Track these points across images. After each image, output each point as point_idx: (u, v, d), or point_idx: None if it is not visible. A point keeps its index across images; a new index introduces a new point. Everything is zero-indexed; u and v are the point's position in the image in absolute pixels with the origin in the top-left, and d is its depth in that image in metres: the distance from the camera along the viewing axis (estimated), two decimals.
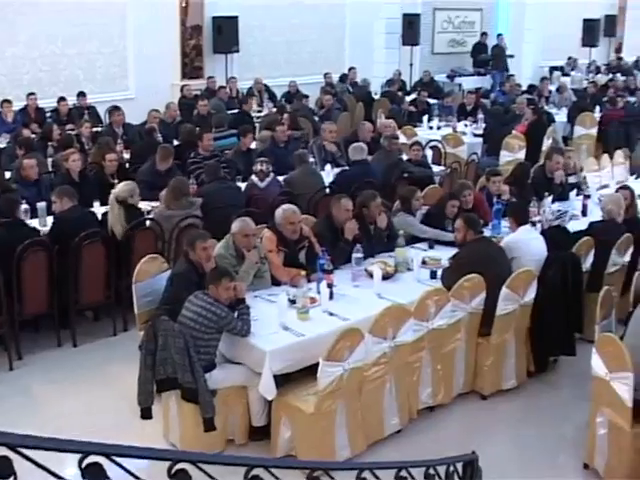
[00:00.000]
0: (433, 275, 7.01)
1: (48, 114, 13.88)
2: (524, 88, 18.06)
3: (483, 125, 14.21)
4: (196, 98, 14.98)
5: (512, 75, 19.74)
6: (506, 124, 13.79)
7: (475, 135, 13.98)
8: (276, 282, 6.87)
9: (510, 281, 6.53)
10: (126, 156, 11.16)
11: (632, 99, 17.38)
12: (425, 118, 14.91)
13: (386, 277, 6.90)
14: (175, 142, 11.67)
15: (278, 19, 18.50)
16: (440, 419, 6.45)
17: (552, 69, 22.64)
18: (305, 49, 19.38)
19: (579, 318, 7.19)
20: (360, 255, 7.01)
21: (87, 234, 7.49)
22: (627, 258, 7.80)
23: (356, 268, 6.98)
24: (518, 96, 16.03)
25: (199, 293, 5.79)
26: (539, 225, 8.17)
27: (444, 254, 7.43)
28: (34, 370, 7.21)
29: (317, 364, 5.35)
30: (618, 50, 26.65)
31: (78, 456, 1.87)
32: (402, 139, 12.43)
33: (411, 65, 20.67)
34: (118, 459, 1.95)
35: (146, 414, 5.82)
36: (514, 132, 13.21)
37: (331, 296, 6.47)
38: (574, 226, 8.43)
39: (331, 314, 6.21)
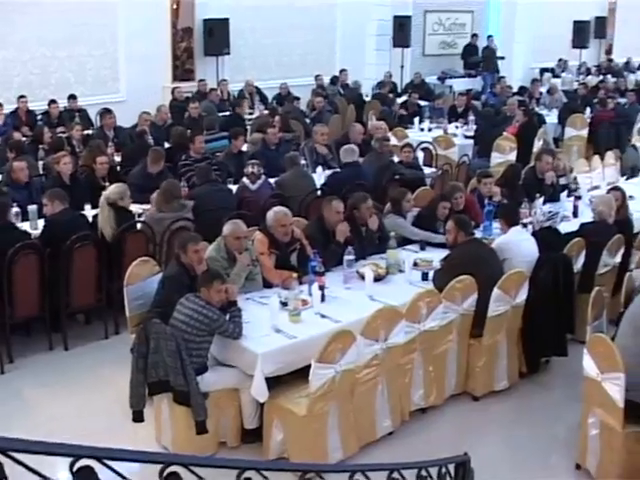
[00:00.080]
0: (425, 277, 7.01)
1: (39, 117, 13.86)
2: (515, 90, 18.10)
3: (474, 127, 14.22)
4: (187, 101, 14.97)
5: (503, 77, 19.77)
6: (497, 126, 13.80)
7: (466, 137, 13.99)
8: (268, 284, 6.86)
9: (501, 282, 6.54)
10: (117, 159, 11.14)
11: (622, 100, 17.43)
12: (416, 120, 14.93)
13: (378, 279, 6.90)
14: (166, 145, 11.64)
15: (269, 21, 18.48)
16: (432, 421, 6.45)
17: (543, 71, 22.69)
18: (296, 51, 19.37)
19: (570, 319, 7.21)
20: (351, 257, 7.01)
21: (78, 237, 7.47)
22: (618, 259, 7.82)
23: (348, 270, 6.98)
24: (509, 98, 16.06)
25: (191, 296, 5.78)
26: (530, 226, 8.18)
27: (436, 256, 7.43)
28: (25, 373, 7.19)
29: (309, 366, 5.36)
30: (608, 52, 26.73)
31: (70, 460, 1.87)
32: (393, 141, 12.44)
33: (402, 67, 20.68)
34: (110, 462, 1.95)
35: (138, 417, 5.81)
36: (505, 134, 13.22)
37: (323, 298, 6.48)
38: (565, 227, 8.45)
39: (323, 316, 6.21)
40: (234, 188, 9.49)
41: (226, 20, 17.35)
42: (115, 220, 7.92)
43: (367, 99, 17.74)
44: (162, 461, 2.11)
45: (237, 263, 6.61)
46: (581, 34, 24.25)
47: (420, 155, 12.10)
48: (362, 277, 6.86)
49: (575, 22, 24.13)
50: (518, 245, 7.17)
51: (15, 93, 14.09)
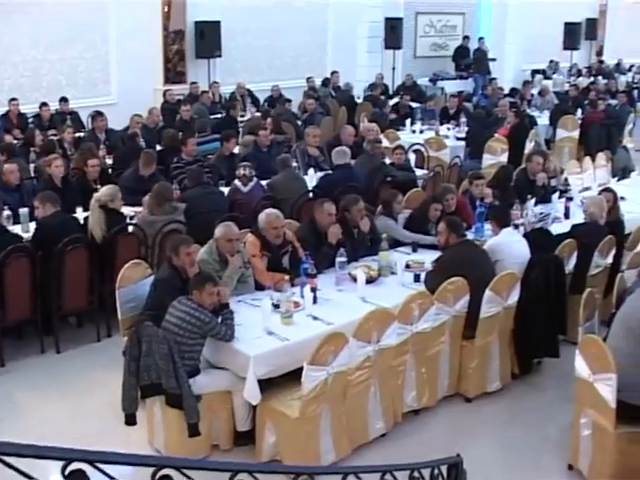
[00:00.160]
0: (417, 278, 7.01)
1: (30, 119, 13.83)
2: (506, 91, 18.13)
3: (466, 128, 14.24)
4: (179, 103, 14.96)
5: (494, 78, 19.81)
6: (488, 127, 13.83)
7: (458, 138, 14.01)
8: (260, 287, 6.86)
9: (493, 284, 6.55)
10: (109, 161, 11.13)
11: (613, 102, 17.48)
12: (408, 122, 14.94)
13: (370, 281, 6.90)
14: (158, 147, 11.63)
15: (260, 23, 18.48)
16: (425, 422, 6.46)
17: (534, 72, 22.77)
18: (288, 53, 19.37)
19: (562, 320, 7.22)
20: (344, 259, 7.01)
21: (70, 240, 7.46)
22: (609, 260, 7.84)
23: (340, 272, 6.98)
24: (500, 99, 16.10)
25: (183, 298, 5.78)
26: (522, 228, 8.19)
27: (428, 257, 7.43)
28: (17, 377, 7.17)
29: (301, 369, 5.35)
30: (599, 53, 26.82)
31: (62, 463, 1.87)
32: (385, 143, 12.44)
33: (393, 69, 20.71)
34: (101, 466, 1.94)
35: (130, 420, 5.80)
36: (496, 135, 13.24)
37: (315, 300, 6.48)
38: (557, 228, 8.46)
39: (315, 318, 6.21)
40: (226, 190, 9.49)
41: (217, 22, 17.35)
42: (105, 222, 7.91)
43: (359, 101, 17.76)
44: (154, 464, 2.11)
45: (229, 266, 6.60)
46: (572, 36, 24.31)
47: (412, 157, 12.12)
48: (354, 279, 6.86)
49: (566, 24, 24.20)
50: (510, 246, 7.18)
51: (6, 96, 14.10)
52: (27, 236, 7.89)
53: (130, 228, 8.16)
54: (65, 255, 7.46)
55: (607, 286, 7.72)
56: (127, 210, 8.58)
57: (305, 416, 5.45)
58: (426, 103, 16.56)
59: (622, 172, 11.90)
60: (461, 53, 22.56)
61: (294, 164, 10.65)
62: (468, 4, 23.43)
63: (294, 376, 5.56)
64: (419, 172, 11.58)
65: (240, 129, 13.85)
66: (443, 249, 7.14)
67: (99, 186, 9.01)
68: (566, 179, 10.40)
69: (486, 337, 6.71)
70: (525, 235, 7.76)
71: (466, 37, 22.84)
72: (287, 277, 6.78)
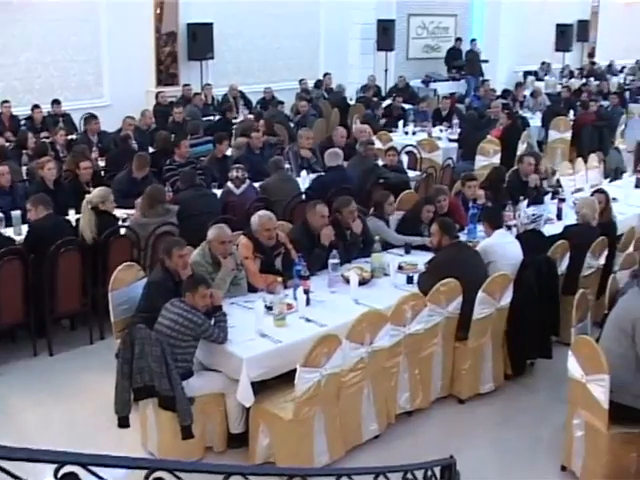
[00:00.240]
0: (409, 280, 7.01)
1: (22, 122, 13.80)
2: (499, 93, 18.16)
3: (458, 130, 14.27)
4: (171, 105, 14.95)
5: (487, 80, 19.86)
6: (481, 129, 13.86)
7: (450, 140, 14.04)
8: (252, 289, 6.85)
9: (486, 285, 6.56)
10: (101, 164, 11.11)
11: (605, 103, 17.53)
12: (400, 123, 14.96)
13: (362, 283, 6.90)
14: (150, 149, 11.63)
15: (253, 25, 18.48)
16: (418, 424, 6.46)
17: (526, 74, 22.83)
18: (280, 55, 19.37)
19: (555, 321, 7.24)
20: (336, 261, 7.02)
21: (63, 242, 7.44)
22: (602, 261, 7.85)
23: (332, 274, 6.98)
24: (493, 101, 16.11)
25: (175, 301, 5.77)
26: (514, 229, 8.20)
27: (420, 259, 7.44)
28: (10, 380, 7.15)
29: (294, 370, 5.35)
30: (591, 55, 26.91)
31: (54, 466, 1.87)
32: (377, 144, 12.45)
33: (386, 71, 20.72)
34: (94, 469, 1.94)
35: (123, 423, 5.78)
36: (489, 137, 13.26)
37: (308, 302, 6.47)
38: (549, 229, 8.48)
39: (308, 320, 6.21)
40: (218, 192, 9.49)
41: (210, 25, 17.34)
42: (96, 224, 7.89)
43: (351, 103, 17.77)
44: (147, 467, 2.10)
45: (222, 268, 6.60)
46: (564, 37, 24.38)
47: (404, 158, 12.12)
48: (347, 281, 6.86)
49: (558, 25, 24.28)
50: (502, 248, 7.19)
51: None
52: (19, 239, 7.87)
53: (123, 230, 8.14)
54: (58, 258, 7.44)
55: (600, 287, 7.73)
56: (120, 212, 8.57)
57: (298, 418, 5.45)
58: (419, 105, 16.57)
59: (614, 173, 11.93)
60: (453, 55, 22.59)
61: (287, 166, 10.66)
62: (460, 6, 23.46)
63: (287, 378, 5.56)
64: (412, 174, 11.58)
65: (233, 131, 13.84)
66: (436, 250, 7.15)
67: (91, 188, 8.97)
68: (558, 180, 10.43)
69: (479, 338, 6.72)
70: (518, 236, 7.77)
71: (458, 39, 22.87)
72: (280, 279, 6.79)
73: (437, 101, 18.13)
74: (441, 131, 14.62)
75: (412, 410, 6.50)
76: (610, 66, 24.82)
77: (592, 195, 8.66)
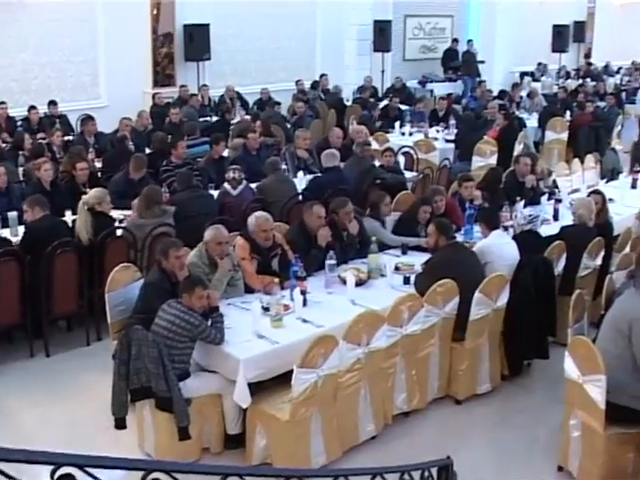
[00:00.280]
0: (406, 281, 7.02)
1: (19, 123, 13.78)
2: (495, 94, 18.17)
3: (455, 131, 14.27)
4: (168, 106, 14.92)
5: (483, 81, 19.87)
6: (478, 129, 13.86)
7: (447, 141, 14.04)
8: (249, 290, 6.86)
9: (483, 286, 6.56)
10: (98, 165, 11.10)
11: (602, 104, 17.54)
12: (397, 124, 14.96)
13: (359, 283, 6.91)
14: (147, 150, 11.62)
15: (249, 26, 18.47)
16: (415, 424, 6.46)
17: (523, 74, 22.84)
18: (276, 56, 19.36)
19: (552, 321, 7.24)
20: (333, 262, 7.01)
21: (59, 243, 7.44)
22: (598, 262, 7.86)
23: (329, 275, 6.98)
24: (489, 102, 16.13)
25: (172, 302, 5.77)
26: (511, 230, 8.20)
27: (417, 260, 7.44)
28: (7, 381, 7.14)
29: (291, 371, 5.35)
30: (587, 55, 26.94)
31: (51, 468, 1.86)
32: (374, 145, 12.45)
33: (382, 71, 20.71)
34: (91, 470, 1.94)
35: (120, 424, 5.78)
36: (486, 137, 13.27)
37: (305, 303, 6.47)
38: (546, 230, 8.48)
39: (305, 321, 6.21)
40: (215, 193, 9.48)
41: (206, 25, 17.32)
42: (93, 225, 7.88)
43: (348, 104, 17.76)
44: (144, 468, 2.10)
45: (218, 269, 6.59)
46: (560, 38, 24.41)
47: (401, 159, 12.12)
48: (344, 282, 6.85)
49: (554, 26, 24.31)
50: (499, 248, 7.19)
51: None
52: (16, 240, 7.87)
53: (119, 231, 8.14)
54: (54, 259, 7.43)
55: (596, 288, 7.73)
56: (117, 213, 8.56)
57: (295, 419, 5.45)
58: (415, 105, 16.58)
59: (610, 174, 11.95)
60: (450, 55, 22.61)
61: (283, 167, 10.65)
62: (457, 7, 23.47)
63: (284, 379, 5.56)
64: (408, 174, 11.58)
65: (230, 132, 13.82)
66: (432, 251, 7.15)
67: (88, 189, 8.97)
68: (555, 181, 10.44)
69: (476, 339, 6.72)
70: (514, 237, 7.77)
71: (455, 40, 22.87)
72: (277, 280, 6.78)
73: (434, 102, 18.16)
74: (438, 132, 14.62)
75: (409, 411, 6.50)
76: (606, 67, 24.84)
77: (589, 196, 8.66)
